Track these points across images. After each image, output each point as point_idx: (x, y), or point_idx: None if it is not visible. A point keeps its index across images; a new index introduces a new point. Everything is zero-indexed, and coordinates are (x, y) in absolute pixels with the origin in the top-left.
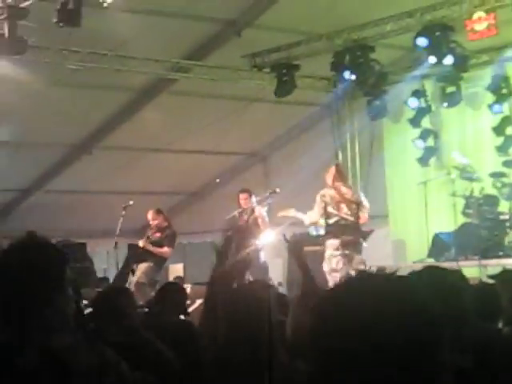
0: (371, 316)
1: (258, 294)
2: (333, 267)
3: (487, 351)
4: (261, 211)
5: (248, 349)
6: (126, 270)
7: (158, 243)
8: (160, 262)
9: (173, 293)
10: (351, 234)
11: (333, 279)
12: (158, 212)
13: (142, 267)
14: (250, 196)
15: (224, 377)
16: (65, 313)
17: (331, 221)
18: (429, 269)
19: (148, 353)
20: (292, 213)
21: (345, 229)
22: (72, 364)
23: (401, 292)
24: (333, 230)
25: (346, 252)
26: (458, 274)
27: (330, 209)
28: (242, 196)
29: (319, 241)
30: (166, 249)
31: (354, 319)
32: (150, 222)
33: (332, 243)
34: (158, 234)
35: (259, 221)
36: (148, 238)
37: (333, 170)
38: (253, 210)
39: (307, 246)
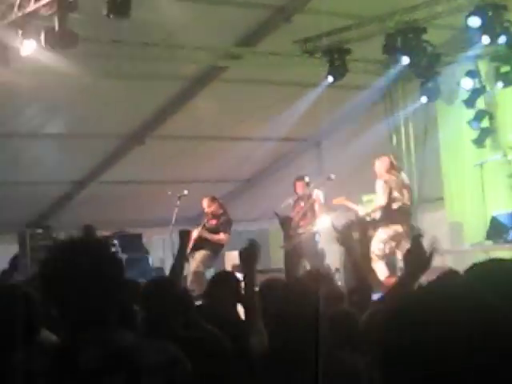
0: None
1: (308, 291)
2: (386, 252)
3: None
4: (318, 196)
5: (295, 347)
6: (181, 259)
7: (214, 230)
8: (217, 250)
9: (226, 282)
10: (410, 220)
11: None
12: (213, 199)
13: (198, 256)
14: (307, 183)
15: (272, 374)
16: (124, 309)
17: (395, 206)
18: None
19: (212, 346)
20: (346, 202)
21: (407, 215)
22: (139, 362)
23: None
24: (396, 216)
25: (402, 239)
26: None
27: (395, 194)
28: (299, 183)
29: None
30: (222, 235)
31: (431, 332)
32: (205, 210)
33: (394, 228)
34: (213, 221)
35: (316, 206)
36: (204, 225)
37: (387, 159)
38: (310, 196)
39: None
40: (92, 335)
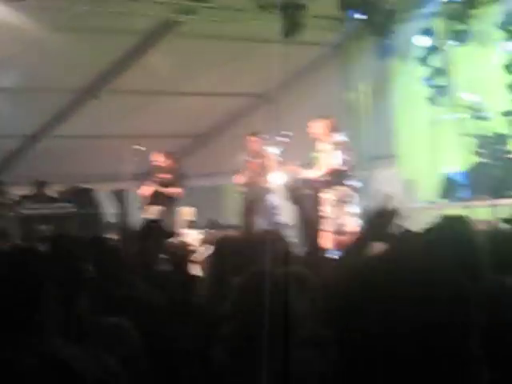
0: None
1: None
2: (334, 214)
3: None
4: (272, 154)
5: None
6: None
7: (169, 184)
8: (172, 204)
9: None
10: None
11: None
12: (166, 154)
13: (153, 211)
14: (261, 140)
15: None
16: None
17: (342, 168)
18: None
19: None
20: (298, 170)
21: (348, 177)
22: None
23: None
24: (342, 178)
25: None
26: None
27: (341, 156)
28: (253, 140)
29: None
30: (177, 189)
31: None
32: (159, 165)
33: (342, 190)
34: (167, 176)
35: (270, 164)
36: (158, 180)
37: (328, 122)
38: (264, 154)
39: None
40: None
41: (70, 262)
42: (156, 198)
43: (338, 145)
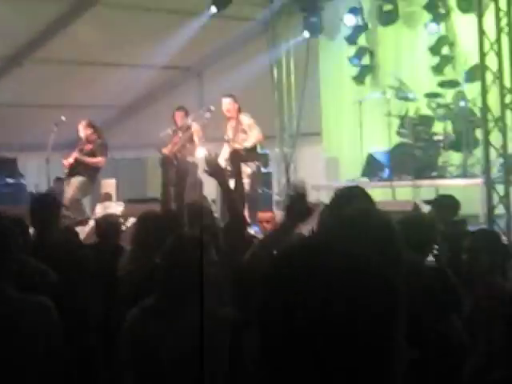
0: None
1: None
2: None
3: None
4: (196, 128)
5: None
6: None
7: (91, 154)
8: (93, 175)
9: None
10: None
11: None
12: (88, 124)
13: (74, 182)
14: (186, 114)
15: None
16: None
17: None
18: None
19: None
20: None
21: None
22: None
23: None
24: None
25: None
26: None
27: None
28: (178, 113)
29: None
30: (99, 158)
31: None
32: (81, 135)
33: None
34: (89, 146)
35: (195, 138)
36: (80, 150)
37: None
38: (188, 127)
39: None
40: None
41: None
42: (77, 168)
43: (250, 126)
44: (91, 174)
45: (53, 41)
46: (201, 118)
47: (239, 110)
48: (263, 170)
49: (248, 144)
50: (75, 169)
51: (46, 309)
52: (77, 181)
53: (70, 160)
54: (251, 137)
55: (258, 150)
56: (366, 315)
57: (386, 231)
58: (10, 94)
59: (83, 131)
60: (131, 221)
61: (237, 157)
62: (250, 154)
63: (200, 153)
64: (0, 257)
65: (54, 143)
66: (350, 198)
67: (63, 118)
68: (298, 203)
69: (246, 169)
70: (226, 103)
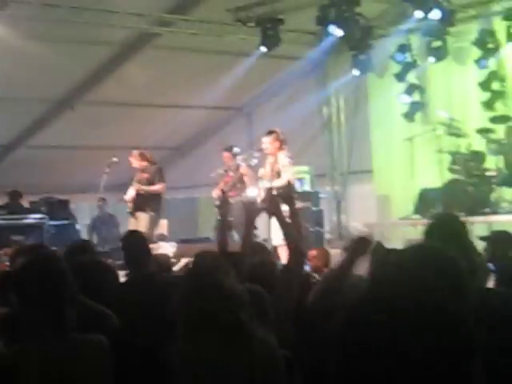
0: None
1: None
2: None
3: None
4: (245, 168)
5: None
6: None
7: (149, 183)
8: (157, 204)
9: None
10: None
11: None
12: (140, 154)
13: (144, 218)
14: (234, 154)
15: None
16: None
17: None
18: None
19: None
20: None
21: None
22: None
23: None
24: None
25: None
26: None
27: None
28: (226, 154)
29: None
30: (157, 186)
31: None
32: (135, 166)
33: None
34: (145, 175)
35: (245, 178)
36: (139, 181)
37: (280, 135)
38: (237, 168)
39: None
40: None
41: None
42: (141, 201)
43: (284, 166)
44: (155, 204)
45: (103, 83)
46: (250, 158)
47: (280, 148)
48: (314, 208)
49: (276, 184)
50: (139, 202)
51: (101, 348)
52: (146, 217)
53: (132, 193)
54: (283, 178)
55: (309, 188)
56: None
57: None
58: (61, 136)
59: (136, 162)
60: (184, 261)
61: (288, 195)
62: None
63: (251, 192)
64: (58, 297)
65: (106, 184)
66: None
67: (115, 159)
68: (362, 246)
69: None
70: (265, 143)
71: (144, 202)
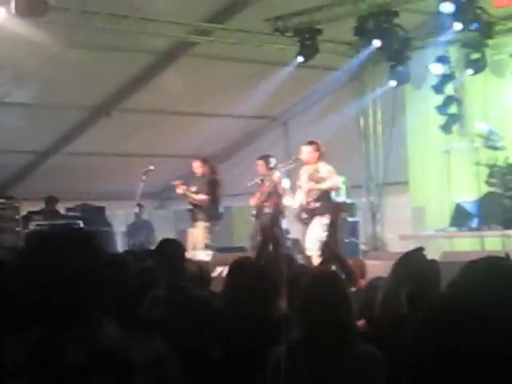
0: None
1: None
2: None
3: None
4: (279, 178)
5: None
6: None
7: (197, 191)
8: (208, 214)
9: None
10: None
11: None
12: (203, 161)
13: (200, 228)
14: (267, 162)
15: None
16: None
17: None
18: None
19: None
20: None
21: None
22: (129, 361)
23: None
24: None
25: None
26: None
27: None
28: (259, 162)
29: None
30: (201, 196)
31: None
32: (195, 172)
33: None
34: (199, 183)
35: (278, 187)
36: (194, 188)
37: (321, 146)
38: (271, 177)
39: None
40: (75, 332)
41: None
42: (195, 209)
43: (330, 173)
44: (208, 213)
45: (140, 91)
46: (284, 167)
47: (319, 158)
48: (349, 219)
49: (323, 186)
50: (195, 209)
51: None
52: (201, 229)
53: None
54: (328, 181)
55: (345, 199)
56: None
57: None
58: (98, 143)
59: (197, 168)
60: (219, 270)
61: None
62: (326, 200)
63: (287, 202)
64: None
65: (143, 192)
66: None
67: (151, 167)
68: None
69: (322, 219)
70: (305, 152)
71: (197, 214)
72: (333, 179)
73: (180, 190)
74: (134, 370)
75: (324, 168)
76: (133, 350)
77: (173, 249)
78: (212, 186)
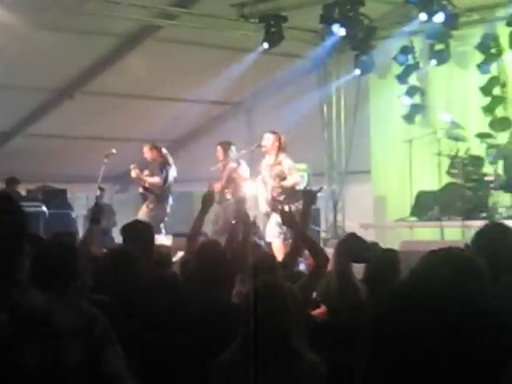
0: None
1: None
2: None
3: None
4: (234, 168)
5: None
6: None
7: (150, 175)
8: (154, 197)
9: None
10: None
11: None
12: (152, 146)
13: (143, 208)
14: (225, 149)
15: None
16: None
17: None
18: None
19: None
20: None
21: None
22: (55, 326)
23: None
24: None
25: None
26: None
27: None
28: (218, 148)
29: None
30: (154, 179)
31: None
32: (146, 157)
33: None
34: (151, 167)
35: (234, 175)
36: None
37: (282, 136)
38: (228, 163)
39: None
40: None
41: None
42: (144, 192)
43: (290, 169)
44: (151, 197)
45: (104, 74)
46: (244, 154)
47: (279, 149)
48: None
49: (286, 184)
50: (146, 193)
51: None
52: (142, 212)
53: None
54: (290, 180)
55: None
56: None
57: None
58: (61, 125)
59: (146, 154)
60: (179, 255)
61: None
62: (291, 195)
63: (248, 188)
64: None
65: (104, 175)
66: None
67: (114, 150)
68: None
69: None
70: (267, 139)
71: (146, 194)
72: (294, 176)
73: (133, 174)
74: (60, 335)
75: (286, 164)
76: (59, 315)
77: (146, 230)
78: (162, 167)
